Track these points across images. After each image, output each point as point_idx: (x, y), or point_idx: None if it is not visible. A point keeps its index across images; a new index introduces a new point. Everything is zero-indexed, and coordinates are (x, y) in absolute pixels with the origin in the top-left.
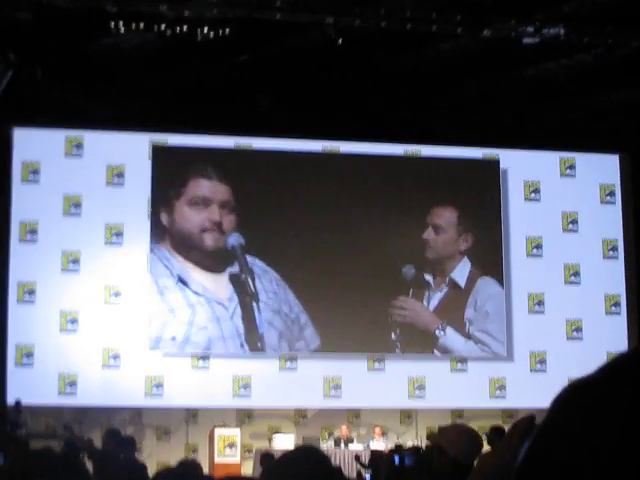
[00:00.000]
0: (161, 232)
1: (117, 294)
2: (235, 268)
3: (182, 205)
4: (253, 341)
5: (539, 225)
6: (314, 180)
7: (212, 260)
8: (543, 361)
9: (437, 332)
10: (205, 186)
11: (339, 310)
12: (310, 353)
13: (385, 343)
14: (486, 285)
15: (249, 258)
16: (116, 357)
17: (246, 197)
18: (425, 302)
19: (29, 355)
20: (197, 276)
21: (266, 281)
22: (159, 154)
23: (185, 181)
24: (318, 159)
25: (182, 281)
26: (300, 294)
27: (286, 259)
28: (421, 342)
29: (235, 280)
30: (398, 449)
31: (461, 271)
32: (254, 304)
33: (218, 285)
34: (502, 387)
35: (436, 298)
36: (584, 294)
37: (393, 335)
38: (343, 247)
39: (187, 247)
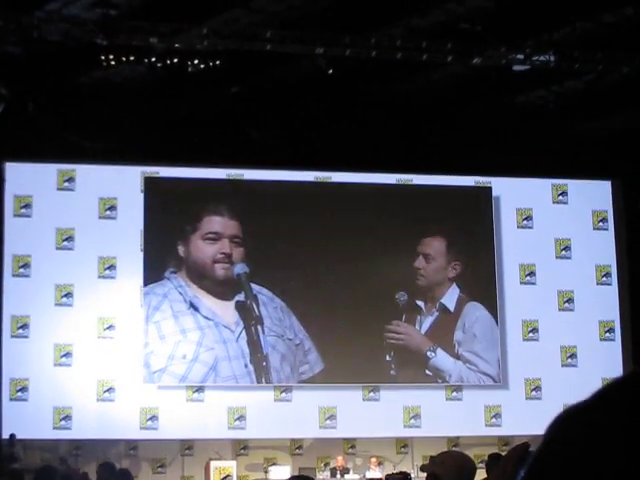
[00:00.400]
0: (178, 262)
1: (111, 327)
2: (242, 296)
3: (197, 239)
4: (257, 361)
5: (532, 252)
6: (312, 211)
7: (222, 288)
8: (538, 388)
9: (428, 353)
10: (217, 222)
11: (339, 335)
12: (305, 384)
13: (380, 364)
14: (474, 309)
15: (256, 287)
16: (110, 390)
17: (252, 230)
18: (417, 326)
19: (23, 389)
20: (208, 302)
21: (271, 308)
22: (151, 186)
23: (199, 217)
24: (315, 190)
25: (194, 306)
26: (303, 321)
27: (289, 288)
28: (414, 363)
29: (241, 306)
30: (389, 476)
31: (450, 297)
32: (259, 327)
33: (226, 311)
34: (497, 415)
35: (427, 322)
36: (578, 320)
37: (388, 357)
38: (340, 275)
39: (201, 276)
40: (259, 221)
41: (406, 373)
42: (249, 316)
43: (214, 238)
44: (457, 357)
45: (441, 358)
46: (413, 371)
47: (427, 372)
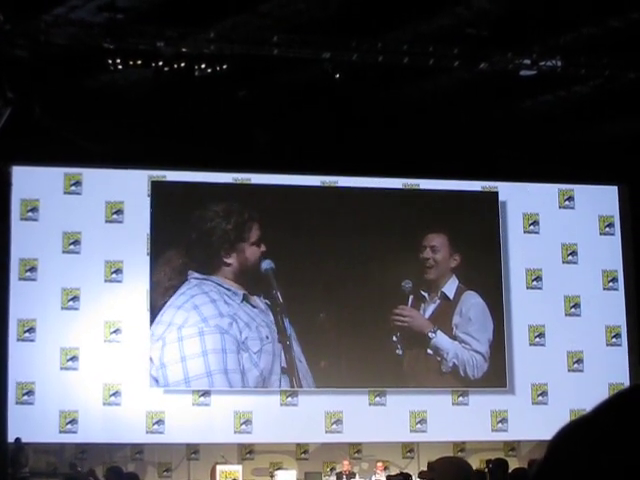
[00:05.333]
0: (221, 267)
1: (117, 331)
2: (270, 288)
3: (247, 246)
4: (283, 338)
5: (538, 257)
6: (325, 211)
7: (259, 282)
8: (544, 393)
9: (430, 334)
10: (255, 228)
11: (353, 319)
12: (311, 388)
13: (388, 344)
14: (470, 297)
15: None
16: (117, 394)
17: (270, 231)
18: (422, 312)
19: (29, 393)
20: (251, 295)
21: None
22: (158, 190)
23: (244, 228)
24: (324, 192)
25: (245, 299)
26: (321, 307)
27: (310, 278)
28: (417, 342)
29: (270, 297)
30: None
31: (450, 286)
32: (282, 314)
33: (262, 301)
34: (504, 420)
35: (430, 308)
36: (584, 326)
37: (394, 337)
38: (353, 268)
39: (248, 274)
40: (275, 223)
41: (410, 352)
42: (275, 304)
43: (258, 243)
44: (454, 338)
45: (440, 339)
46: (416, 350)
47: (428, 351)
